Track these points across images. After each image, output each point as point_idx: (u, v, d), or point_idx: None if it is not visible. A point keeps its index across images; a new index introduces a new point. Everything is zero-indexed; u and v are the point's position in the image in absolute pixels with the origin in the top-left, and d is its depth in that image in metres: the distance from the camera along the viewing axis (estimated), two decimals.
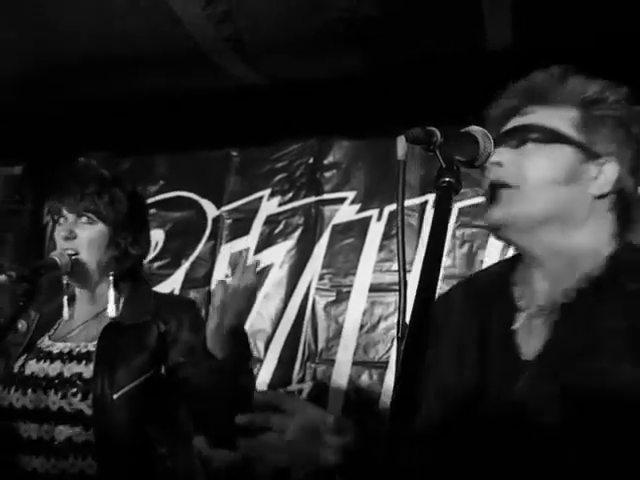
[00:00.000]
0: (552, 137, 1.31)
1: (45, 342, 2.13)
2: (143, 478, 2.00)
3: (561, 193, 1.29)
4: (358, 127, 3.55)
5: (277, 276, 3.57)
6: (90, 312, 2.18)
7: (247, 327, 3.45)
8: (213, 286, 3.65)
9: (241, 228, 3.71)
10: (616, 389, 1.13)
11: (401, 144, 1.10)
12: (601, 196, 1.31)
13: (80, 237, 2.11)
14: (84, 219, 2.12)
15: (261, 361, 3.45)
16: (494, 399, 1.24)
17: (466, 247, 3.27)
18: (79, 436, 1.96)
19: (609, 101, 1.33)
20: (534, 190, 1.29)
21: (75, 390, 1.98)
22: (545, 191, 1.29)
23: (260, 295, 3.56)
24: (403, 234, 1.11)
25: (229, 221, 3.75)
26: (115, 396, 1.96)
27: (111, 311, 2.13)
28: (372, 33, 2.89)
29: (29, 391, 2.02)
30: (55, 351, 2.08)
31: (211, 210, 3.79)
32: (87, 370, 2.00)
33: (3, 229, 4.24)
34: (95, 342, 2.05)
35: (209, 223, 3.78)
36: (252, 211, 3.71)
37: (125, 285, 2.20)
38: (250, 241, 3.67)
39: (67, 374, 2.01)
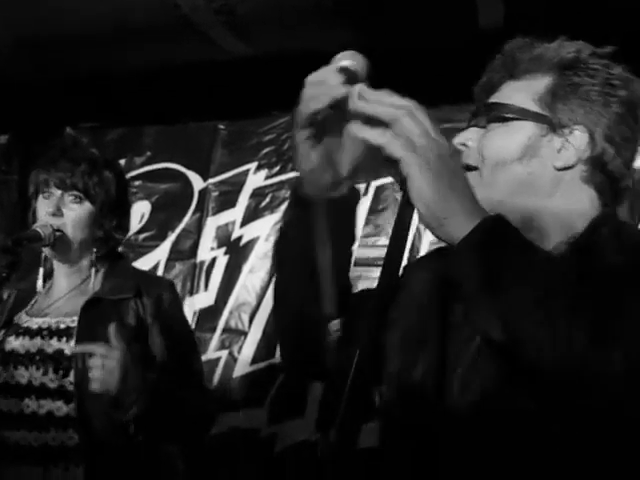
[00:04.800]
0: (512, 114, 1.25)
1: (23, 318, 2.14)
2: (122, 450, 2.02)
3: (517, 171, 1.23)
4: None
5: (263, 249, 3.57)
6: (69, 286, 2.18)
7: (232, 300, 3.51)
8: (199, 258, 3.66)
9: (227, 201, 3.71)
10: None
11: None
12: (566, 167, 1.24)
13: (67, 215, 2.11)
14: (71, 197, 2.12)
15: (245, 334, 3.47)
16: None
17: None
18: (60, 410, 1.99)
19: (587, 63, 1.26)
20: (490, 171, 1.24)
21: (56, 367, 2.00)
22: (501, 171, 1.24)
23: (245, 268, 3.58)
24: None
25: (215, 193, 3.74)
26: None
27: (92, 288, 2.15)
28: (361, 9, 2.88)
29: (10, 367, 2.03)
30: (34, 327, 2.09)
31: (198, 182, 3.78)
32: (68, 347, 2.02)
33: None
34: (74, 317, 2.06)
35: (195, 195, 3.77)
36: (239, 184, 3.70)
37: (104, 262, 2.22)
38: (236, 214, 3.67)
39: (49, 350, 2.03)
